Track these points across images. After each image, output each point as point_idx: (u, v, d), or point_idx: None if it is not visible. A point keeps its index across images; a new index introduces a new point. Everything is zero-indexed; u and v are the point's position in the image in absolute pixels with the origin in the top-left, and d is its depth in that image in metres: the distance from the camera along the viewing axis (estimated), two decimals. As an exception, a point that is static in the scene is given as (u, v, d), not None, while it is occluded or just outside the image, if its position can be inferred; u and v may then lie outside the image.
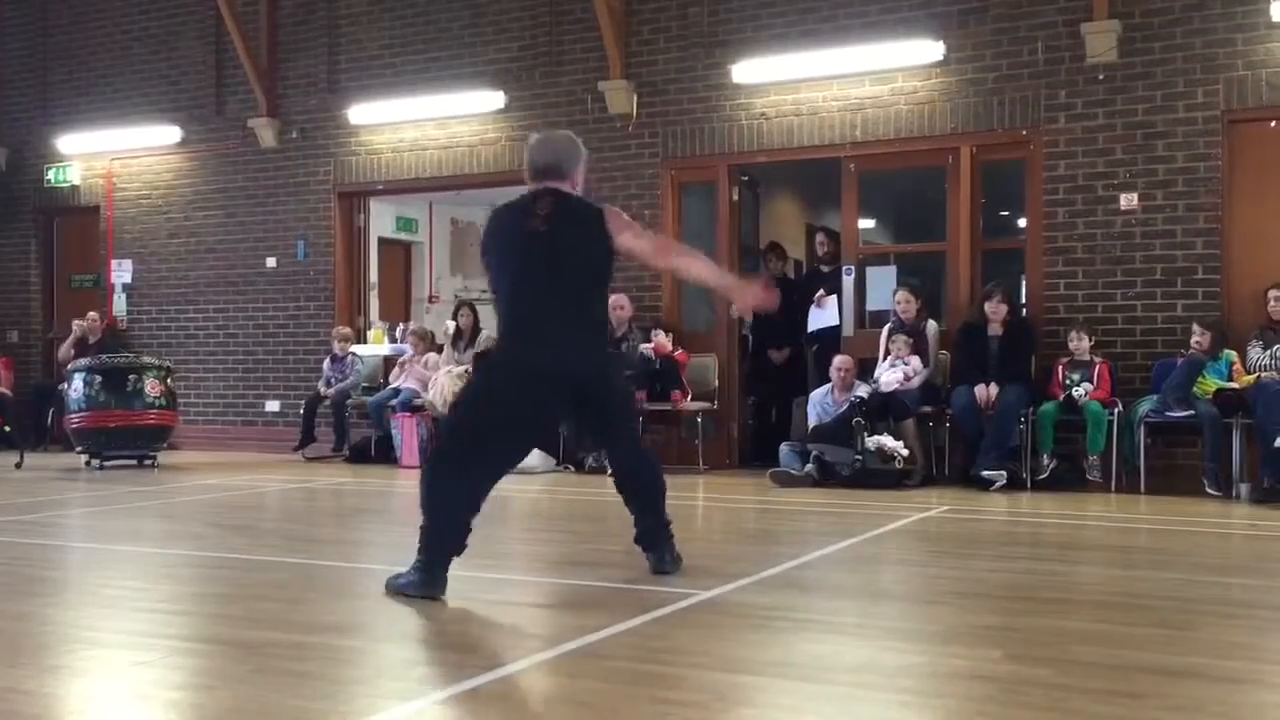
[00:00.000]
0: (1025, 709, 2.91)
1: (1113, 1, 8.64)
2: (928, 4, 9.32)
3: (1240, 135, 8.56)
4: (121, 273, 12.86)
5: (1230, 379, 8.05)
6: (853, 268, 9.81)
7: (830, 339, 9.82)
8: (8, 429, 10.85)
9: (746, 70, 9.83)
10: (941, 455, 8.92)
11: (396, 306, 13.06)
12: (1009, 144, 9.22)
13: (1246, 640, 3.76)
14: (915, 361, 8.84)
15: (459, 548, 4.29)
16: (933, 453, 8.90)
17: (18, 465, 9.91)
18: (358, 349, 11.50)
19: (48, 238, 13.60)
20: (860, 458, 8.34)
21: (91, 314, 12.22)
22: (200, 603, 4.46)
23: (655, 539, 4.78)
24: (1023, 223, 9.68)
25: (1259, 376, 7.89)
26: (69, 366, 10.36)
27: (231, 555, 5.40)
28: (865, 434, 8.36)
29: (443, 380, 10.22)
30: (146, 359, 10.47)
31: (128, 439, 9.97)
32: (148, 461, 10.11)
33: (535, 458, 9.54)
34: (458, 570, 4.33)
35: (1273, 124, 8.51)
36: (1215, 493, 7.78)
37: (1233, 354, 8.14)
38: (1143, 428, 8.13)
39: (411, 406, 10.31)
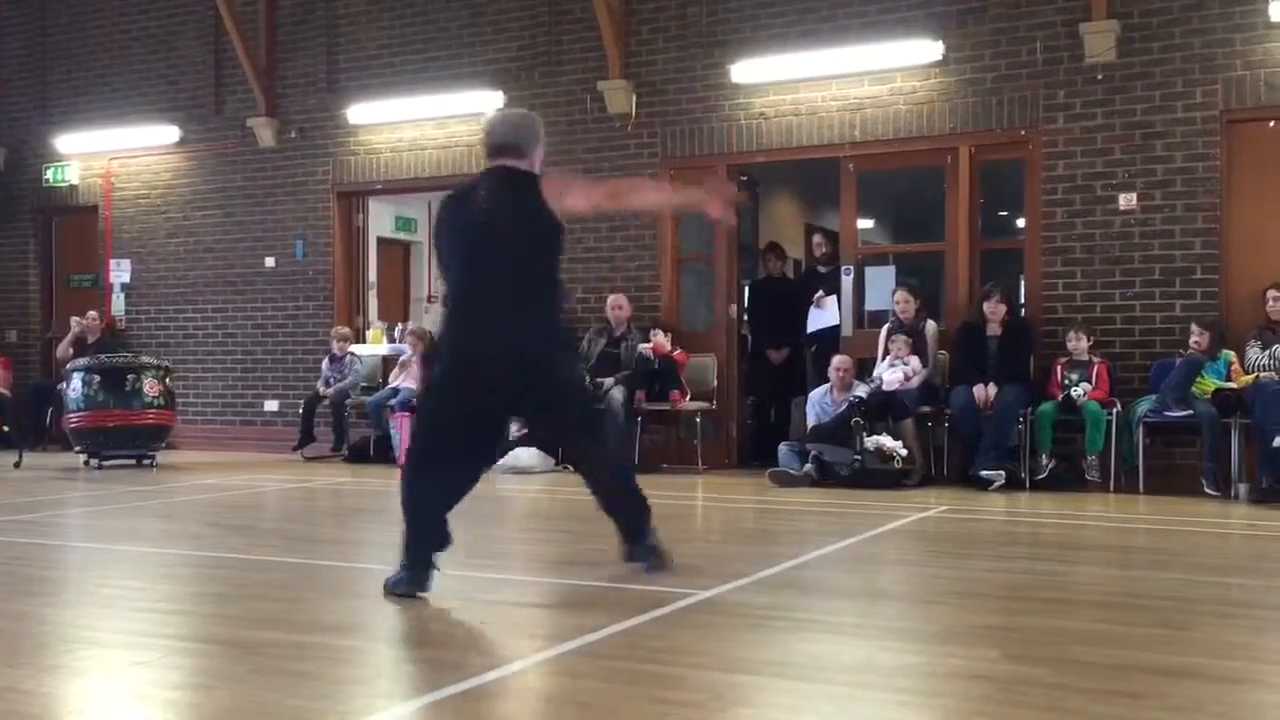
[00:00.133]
0: (1023, 709, 2.91)
1: (1111, 1, 8.65)
2: (926, 4, 9.33)
3: (1239, 135, 8.56)
4: (120, 272, 12.85)
5: (1229, 379, 8.05)
6: (851, 268, 9.81)
7: (829, 339, 9.82)
8: (6, 429, 10.84)
9: (745, 70, 9.83)
10: (940, 455, 8.92)
11: (395, 306, 13.06)
12: (1008, 144, 9.22)
13: (1245, 640, 3.76)
14: (914, 361, 8.84)
15: (440, 544, 4.26)
16: (931, 453, 8.90)
17: (16, 465, 9.91)
18: (356, 349, 11.50)
19: (46, 237, 13.60)
20: (859, 458, 8.34)
21: (91, 313, 12.21)
22: (199, 602, 4.46)
23: (630, 531, 4.62)
24: (1021, 223, 9.69)
25: (1257, 376, 7.89)
26: (67, 366, 10.35)
27: (230, 555, 5.39)
28: (864, 434, 8.36)
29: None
30: (145, 359, 10.47)
31: (126, 439, 9.97)
32: (146, 461, 10.11)
33: (534, 457, 9.54)
34: (457, 570, 4.33)
35: (1271, 124, 8.51)
36: (1214, 493, 7.78)
37: (1231, 354, 8.15)
38: (1141, 428, 8.13)
39: (410, 406, 10.28)
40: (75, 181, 13.07)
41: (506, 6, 10.90)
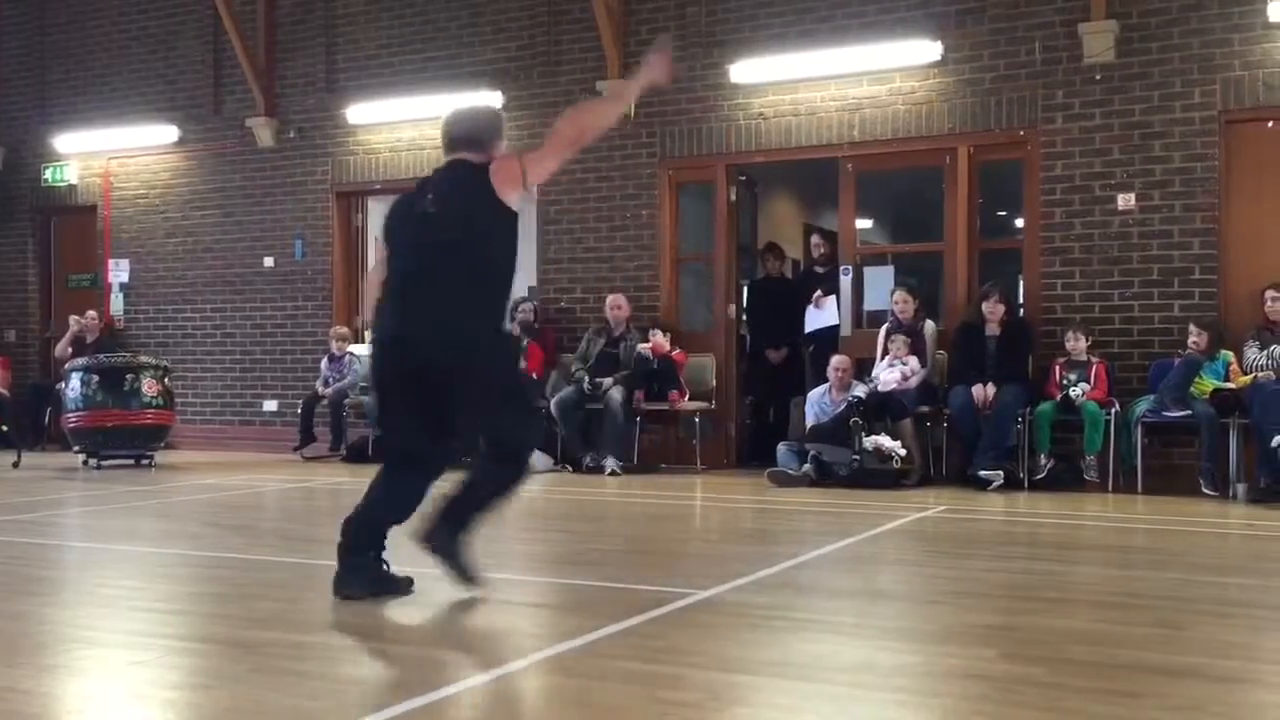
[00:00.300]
0: (1022, 708, 2.91)
1: (1110, 2, 8.65)
2: (925, 4, 9.33)
3: (1237, 135, 8.56)
4: (119, 272, 12.85)
5: (1227, 379, 8.06)
6: (850, 268, 9.81)
7: (827, 339, 9.82)
8: (5, 428, 10.83)
9: (744, 70, 9.83)
10: (939, 455, 8.93)
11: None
12: (1006, 144, 9.23)
13: (1243, 640, 3.76)
14: (913, 361, 8.84)
15: (380, 545, 4.24)
16: (930, 453, 8.91)
17: (15, 465, 9.91)
18: (355, 348, 11.49)
19: (45, 237, 13.59)
20: (858, 458, 8.34)
21: (90, 312, 12.20)
22: (198, 602, 4.46)
23: (450, 518, 4.16)
24: (1020, 223, 9.69)
25: (1256, 376, 7.90)
26: (66, 366, 10.35)
27: (229, 555, 5.39)
28: (863, 434, 8.37)
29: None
30: (144, 358, 10.46)
31: (125, 438, 9.97)
32: (145, 461, 10.11)
33: (533, 457, 9.53)
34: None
35: (1270, 124, 8.52)
36: (1212, 492, 7.79)
37: (1229, 354, 8.15)
38: (1140, 428, 8.13)
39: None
40: (74, 181, 13.07)
41: (505, 6, 10.90)
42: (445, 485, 4.25)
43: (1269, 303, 8.10)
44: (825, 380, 9.11)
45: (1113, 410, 8.27)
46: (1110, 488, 8.19)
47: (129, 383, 9.86)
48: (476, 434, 4.32)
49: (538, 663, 3.39)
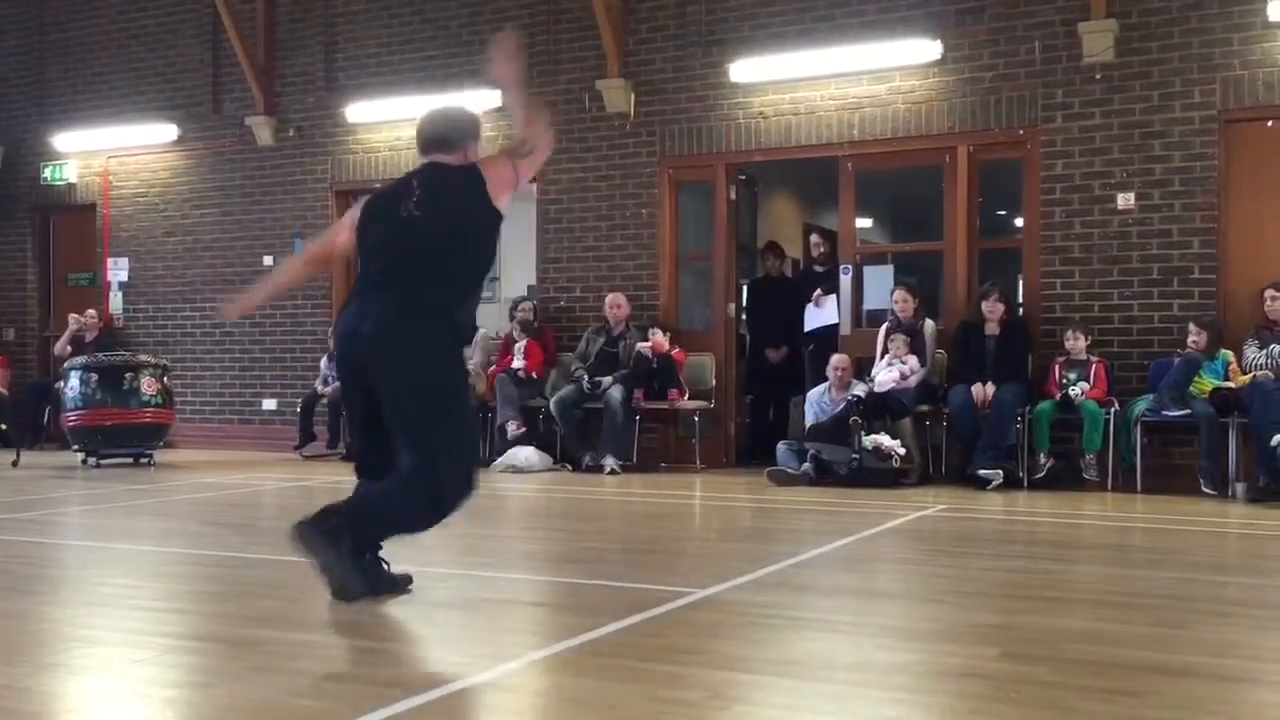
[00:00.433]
0: (1021, 707, 2.91)
1: (1110, 1, 8.65)
2: (925, 3, 9.33)
3: (1237, 135, 8.57)
4: (118, 271, 12.85)
5: (1226, 378, 8.06)
6: (850, 267, 9.81)
7: (827, 338, 9.82)
8: (4, 427, 10.84)
9: (744, 69, 9.83)
10: (938, 454, 8.93)
11: (394, 305, 13.03)
12: (1006, 143, 9.23)
13: (1242, 639, 3.76)
14: (912, 361, 8.84)
15: (376, 546, 4.05)
16: (929, 452, 8.91)
17: (14, 463, 9.90)
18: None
19: (44, 236, 13.59)
20: (857, 457, 8.34)
21: (89, 311, 12.20)
22: (197, 601, 4.46)
23: (331, 517, 3.86)
24: (1020, 222, 9.70)
25: (1255, 376, 7.90)
26: (65, 365, 10.35)
27: (228, 553, 5.39)
28: (862, 433, 8.37)
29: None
30: (143, 357, 10.45)
31: (124, 437, 9.96)
32: (144, 460, 10.11)
33: (533, 456, 9.55)
34: (456, 569, 4.32)
35: (1269, 123, 8.52)
36: (1211, 492, 7.79)
37: (1229, 353, 8.15)
38: (1139, 427, 8.13)
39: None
40: (73, 180, 13.07)
41: (505, 5, 10.90)
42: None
43: (1268, 302, 8.10)
44: (825, 379, 9.11)
45: (1112, 409, 8.28)
46: (1109, 487, 8.19)
47: (128, 381, 9.85)
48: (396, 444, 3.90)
49: (536, 661, 3.39)
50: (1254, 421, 7.74)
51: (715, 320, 10.28)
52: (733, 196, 10.25)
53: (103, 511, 7.27)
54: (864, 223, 11.98)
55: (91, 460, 9.98)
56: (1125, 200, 8.72)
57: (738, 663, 3.37)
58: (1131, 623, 3.94)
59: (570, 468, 9.73)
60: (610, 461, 9.30)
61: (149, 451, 10.15)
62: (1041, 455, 8.36)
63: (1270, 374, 7.85)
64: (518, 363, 10.11)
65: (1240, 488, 7.74)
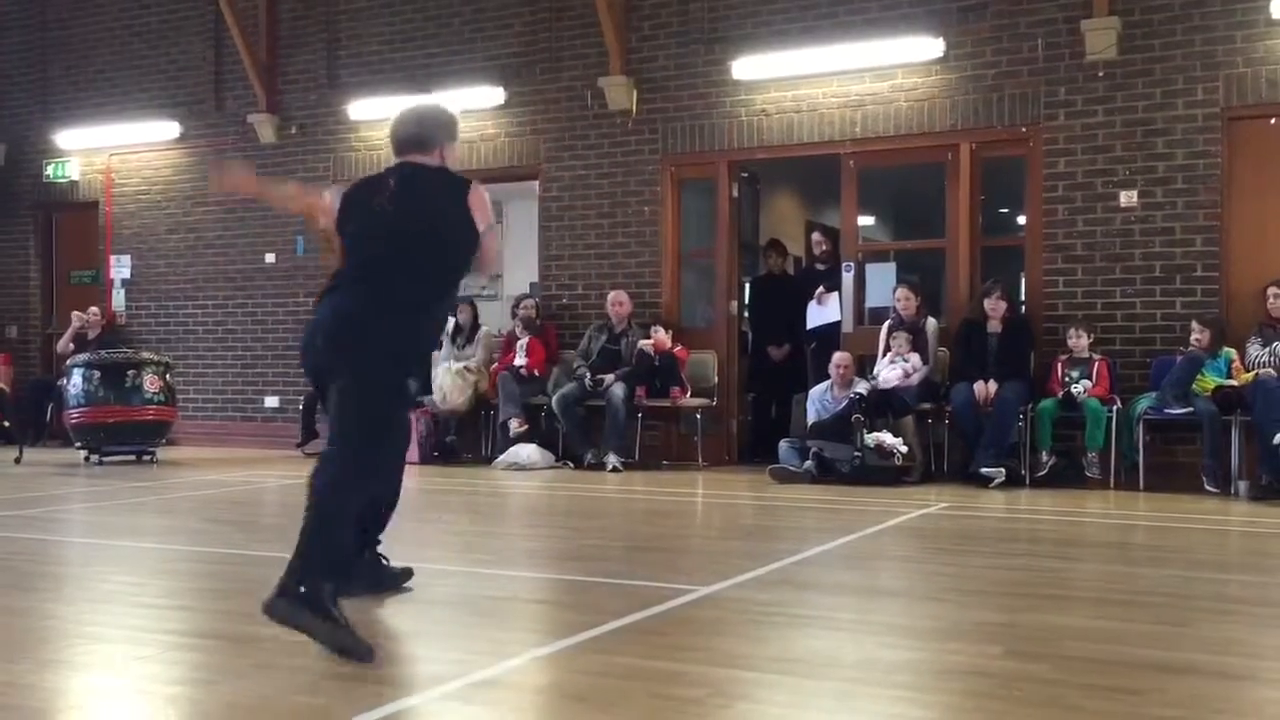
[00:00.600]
0: (1023, 705, 2.91)
1: (1113, -2, 8.65)
2: (927, 0, 9.32)
3: (1240, 132, 8.55)
4: (120, 268, 12.85)
5: (1229, 376, 8.05)
6: (852, 264, 9.81)
7: (829, 336, 9.82)
8: (7, 424, 10.85)
9: (747, 66, 9.82)
10: (940, 452, 8.93)
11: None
12: (1009, 141, 9.21)
13: (1244, 636, 3.76)
14: (914, 358, 8.84)
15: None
16: (932, 449, 8.91)
17: (17, 461, 9.91)
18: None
19: (47, 233, 13.59)
20: (859, 454, 8.34)
21: (92, 308, 12.19)
22: (199, 598, 4.46)
23: (291, 567, 3.53)
24: (1022, 220, 9.69)
25: (1258, 374, 7.89)
26: (68, 362, 10.36)
27: (230, 550, 5.40)
28: (864, 431, 8.37)
29: (442, 376, 10.23)
30: (145, 354, 10.47)
31: (127, 434, 9.98)
32: (146, 457, 10.12)
33: (535, 454, 9.56)
34: (458, 566, 4.33)
35: (1273, 121, 8.50)
36: (1213, 490, 7.78)
37: (1232, 351, 8.14)
38: (1141, 425, 8.13)
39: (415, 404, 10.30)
40: (76, 177, 13.07)
41: (508, 2, 10.89)
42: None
43: (1271, 299, 8.09)
44: (827, 377, 9.10)
45: (1114, 407, 8.27)
46: (1112, 485, 8.18)
47: (130, 379, 9.87)
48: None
49: (538, 659, 3.40)
50: (1256, 419, 7.73)
51: (717, 318, 10.28)
52: (735, 194, 10.24)
53: (105, 509, 7.28)
54: (866, 220, 11.98)
55: (94, 457, 9.99)
56: (1128, 198, 8.71)
57: (740, 660, 3.37)
58: (1134, 620, 3.94)
59: (572, 465, 9.73)
60: (612, 459, 9.30)
61: (151, 449, 10.17)
62: (1044, 453, 8.35)
63: (1273, 372, 7.84)
64: (520, 360, 10.11)
65: (1242, 486, 7.74)
